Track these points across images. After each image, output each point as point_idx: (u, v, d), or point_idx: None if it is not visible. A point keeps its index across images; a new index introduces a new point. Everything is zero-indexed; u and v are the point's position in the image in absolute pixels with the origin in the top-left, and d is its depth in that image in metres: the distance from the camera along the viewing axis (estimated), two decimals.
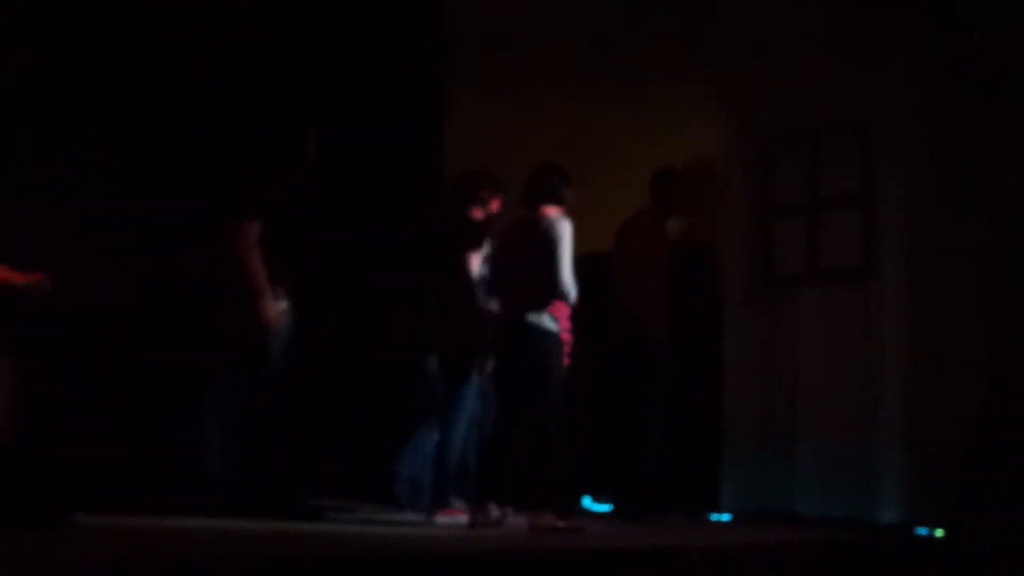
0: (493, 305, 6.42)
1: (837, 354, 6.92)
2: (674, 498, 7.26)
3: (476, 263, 6.55)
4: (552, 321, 6.04)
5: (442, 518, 6.33)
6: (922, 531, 6.34)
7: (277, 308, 6.14)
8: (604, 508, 7.37)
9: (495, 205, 6.77)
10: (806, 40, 7.09)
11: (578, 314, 6.32)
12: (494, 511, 5.99)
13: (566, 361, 6.13)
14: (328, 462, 6.92)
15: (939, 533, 6.20)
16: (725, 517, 7.23)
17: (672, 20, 7.72)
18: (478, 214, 6.76)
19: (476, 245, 6.55)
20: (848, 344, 6.87)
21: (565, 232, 6.02)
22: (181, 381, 6.37)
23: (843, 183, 6.96)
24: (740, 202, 7.48)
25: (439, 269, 6.68)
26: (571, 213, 6.19)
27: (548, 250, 5.97)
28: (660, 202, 7.42)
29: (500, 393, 6.29)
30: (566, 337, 6.10)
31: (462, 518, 6.32)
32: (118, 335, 6.56)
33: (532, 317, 6.02)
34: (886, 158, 6.77)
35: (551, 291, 6.00)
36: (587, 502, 7.48)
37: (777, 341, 7.25)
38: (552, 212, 6.12)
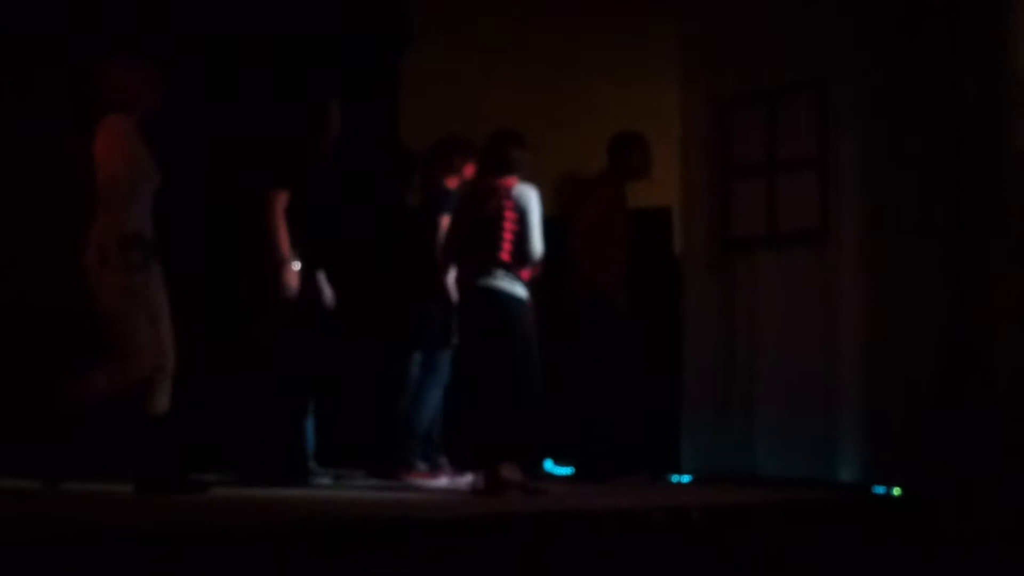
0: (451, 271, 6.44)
1: (795, 315, 6.95)
2: (635, 460, 7.31)
3: None
4: (523, 287, 6.09)
5: (414, 480, 6.39)
6: (880, 490, 6.39)
7: (296, 277, 6.28)
8: (566, 471, 7.40)
9: (468, 171, 6.78)
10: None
11: (536, 278, 6.35)
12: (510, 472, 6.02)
13: None
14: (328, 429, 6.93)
15: (896, 492, 6.27)
16: (685, 478, 7.28)
17: None
18: (452, 183, 6.78)
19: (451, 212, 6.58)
20: (806, 305, 6.89)
21: (534, 200, 6.13)
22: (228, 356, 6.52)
23: (801, 144, 6.96)
24: (699, 165, 7.47)
25: (416, 237, 6.72)
26: (529, 178, 6.20)
27: (521, 219, 6.07)
28: (618, 166, 7.42)
29: (468, 358, 6.28)
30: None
31: (430, 481, 6.37)
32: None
33: (503, 283, 6.05)
34: (843, 119, 6.77)
35: (523, 258, 6.09)
36: (548, 465, 7.50)
37: (735, 303, 7.27)
38: (513, 180, 6.14)
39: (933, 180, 6.23)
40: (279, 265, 6.24)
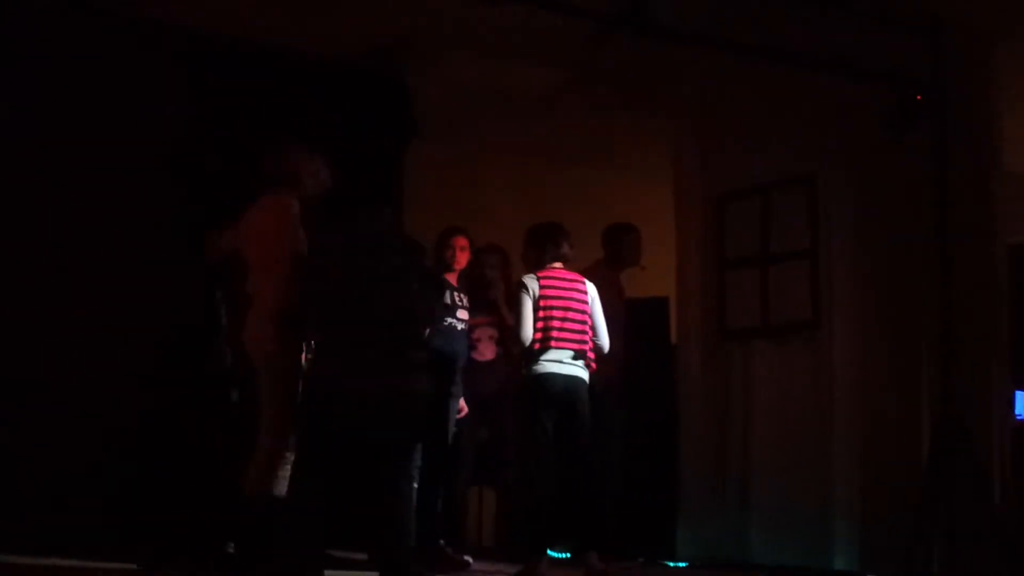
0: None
1: (789, 404, 7.07)
2: (631, 545, 7.37)
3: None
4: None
5: None
6: None
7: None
8: (562, 556, 7.44)
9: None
10: (757, 98, 7.28)
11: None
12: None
13: None
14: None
15: None
16: (681, 564, 7.33)
17: (627, 79, 7.90)
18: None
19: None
20: (800, 394, 7.02)
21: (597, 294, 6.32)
22: None
23: (793, 237, 7.14)
24: (695, 256, 7.66)
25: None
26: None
27: (595, 312, 6.25)
28: (613, 255, 7.57)
29: (563, 445, 6.29)
30: None
31: None
32: None
33: (583, 372, 6.22)
34: (834, 212, 6.96)
35: (597, 350, 6.25)
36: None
37: (730, 391, 7.40)
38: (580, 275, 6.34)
39: (922, 270, 6.39)
40: None
